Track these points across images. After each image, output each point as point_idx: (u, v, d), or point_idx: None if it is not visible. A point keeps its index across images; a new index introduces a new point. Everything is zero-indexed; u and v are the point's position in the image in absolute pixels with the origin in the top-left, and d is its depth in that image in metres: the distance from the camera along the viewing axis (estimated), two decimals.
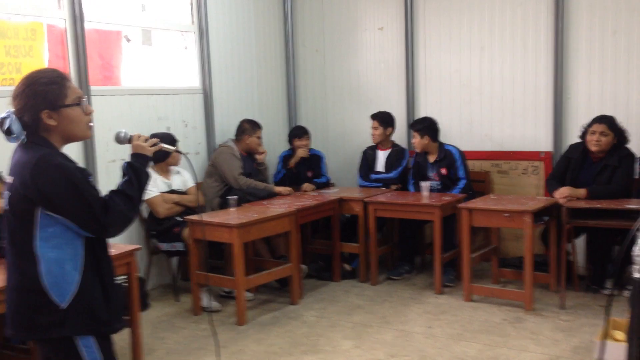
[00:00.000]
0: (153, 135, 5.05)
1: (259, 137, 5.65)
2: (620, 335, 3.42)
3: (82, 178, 2.18)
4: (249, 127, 5.63)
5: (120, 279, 4.24)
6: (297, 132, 6.12)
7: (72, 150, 4.60)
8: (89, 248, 2.24)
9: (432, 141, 5.47)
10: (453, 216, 5.18)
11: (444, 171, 5.44)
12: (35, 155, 2.15)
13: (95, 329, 2.24)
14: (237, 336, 4.31)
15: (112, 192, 2.28)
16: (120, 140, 2.52)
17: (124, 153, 5.08)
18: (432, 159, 5.52)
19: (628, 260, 4.01)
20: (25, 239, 2.17)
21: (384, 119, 5.84)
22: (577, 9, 5.36)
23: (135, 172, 2.35)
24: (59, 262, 2.17)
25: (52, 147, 2.23)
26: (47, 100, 2.20)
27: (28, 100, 2.19)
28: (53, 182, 2.13)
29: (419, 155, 5.58)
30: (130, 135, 2.49)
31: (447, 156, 5.44)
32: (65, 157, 2.23)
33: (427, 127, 5.46)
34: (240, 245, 4.44)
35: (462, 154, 5.46)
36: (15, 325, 2.25)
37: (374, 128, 5.84)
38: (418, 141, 5.47)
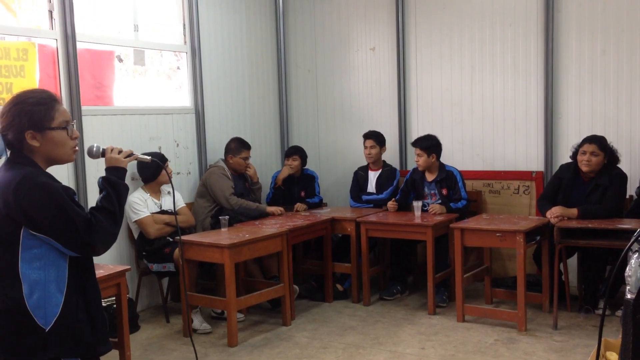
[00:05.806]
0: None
1: (244, 158, 5.61)
2: (613, 356, 3.39)
3: (67, 197, 2.15)
4: (233, 147, 5.61)
5: (109, 300, 4.21)
6: (288, 151, 6.15)
7: (63, 172, 4.60)
8: (73, 269, 2.21)
9: (436, 160, 5.47)
10: (445, 236, 5.17)
11: (445, 191, 5.43)
12: (19, 175, 2.12)
13: (79, 352, 2.20)
14: (228, 358, 4.26)
15: (92, 209, 2.24)
16: (92, 154, 2.46)
17: None
18: (430, 177, 5.50)
19: (620, 280, 4.03)
20: (8, 260, 2.14)
21: (379, 138, 5.84)
22: (567, 29, 5.41)
23: (112, 186, 2.30)
24: (42, 284, 2.14)
25: (36, 166, 2.21)
26: (32, 120, 2.18)
27: (13, 119, 2.18)
28: (37, 202, 2.10)
29: (416, 172, 5.56)
30: (103, 149, 2.43)
31: (449, 177, 5.41)
32: (49, 177, 2.20)
33: (434, 145, 5.43)
34: (231, 265, 4.41)
35: (462, 175, 5.45)
36: None
37: (371, 147, 5.82)
38: (424, 159, 5.39)
